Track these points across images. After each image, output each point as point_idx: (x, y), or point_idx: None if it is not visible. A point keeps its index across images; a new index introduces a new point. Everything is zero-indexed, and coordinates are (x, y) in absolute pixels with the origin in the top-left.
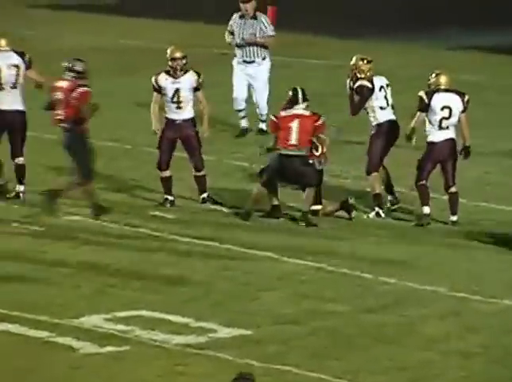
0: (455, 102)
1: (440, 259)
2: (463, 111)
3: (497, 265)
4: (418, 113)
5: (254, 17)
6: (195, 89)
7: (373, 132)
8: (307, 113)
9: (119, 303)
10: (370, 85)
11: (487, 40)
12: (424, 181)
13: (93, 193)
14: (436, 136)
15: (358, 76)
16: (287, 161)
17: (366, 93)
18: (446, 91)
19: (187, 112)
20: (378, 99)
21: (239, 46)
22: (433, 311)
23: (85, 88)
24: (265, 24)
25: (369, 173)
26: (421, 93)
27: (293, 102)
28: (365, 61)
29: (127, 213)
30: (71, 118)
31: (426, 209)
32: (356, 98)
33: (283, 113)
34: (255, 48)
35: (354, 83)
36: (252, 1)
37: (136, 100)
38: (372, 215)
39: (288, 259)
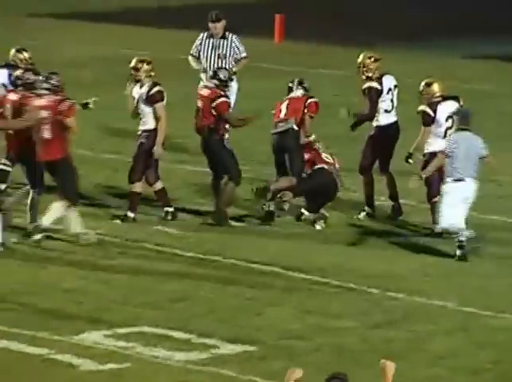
0: (455, 109)
1: (449, 273)
2: None
3: (507, 280)
4: (423, 129)
5: (224, 37)
6: (154, 101)
7: (371, 133)
8: (299, 95)
9: (120, 319)
10: (378, 86)
11: (500, 49)
12: (437, 198)
13: (231, 198)
14: (438, 145)
15: (366, 74)
16: (278, 138)
17: (375, 95)
18: (444, 99)
19: (147, 124)
20: (384, 102)
21: (205, 71)
22: (442, 327)
23: (223, 99)
24: (238, 45)
25: (362, 173)
26: (423, 107)
27: (288, 91)
28: (372, 59)
29: (130, 227)
30: (209, 126)
31: (439, 228)
32: (365, 100)
33: (279, 102)
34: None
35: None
36: (222, 20)
37: None
38: (362, 215)
39: (293, 273)
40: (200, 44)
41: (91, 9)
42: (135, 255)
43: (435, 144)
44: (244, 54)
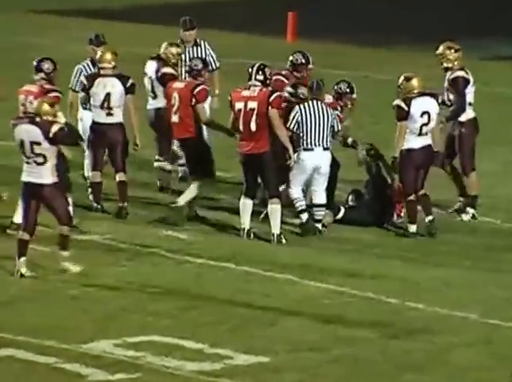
0: (432, 106)
1: (472, 283)
2: (438, 114)
3: None
4: (399, 124)
5: (196, 45)
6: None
7: (463, 130)
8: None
9: (130, 328)
10: (466, 75)
11: None
12: (413, 196)
13: None
14: (415, 143)
15: (446, 65)
16: None
17: (462, 84)
18: (421, 95)
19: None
20: (469, 94)
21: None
22: (463, 339)
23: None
24: (212, 53)
25: (466, 174)
26: (398, 102)
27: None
28: (453, 50)
29: (139, 233)
30: None
31: (413, 228)
32: (451, 91)
33: None
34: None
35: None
36: (196, 27)
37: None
38: (466, 217)
39: (309, 282)
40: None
41: (95, 6)
42: (144, 262)
43: (411, 141)
44: (218, 64)
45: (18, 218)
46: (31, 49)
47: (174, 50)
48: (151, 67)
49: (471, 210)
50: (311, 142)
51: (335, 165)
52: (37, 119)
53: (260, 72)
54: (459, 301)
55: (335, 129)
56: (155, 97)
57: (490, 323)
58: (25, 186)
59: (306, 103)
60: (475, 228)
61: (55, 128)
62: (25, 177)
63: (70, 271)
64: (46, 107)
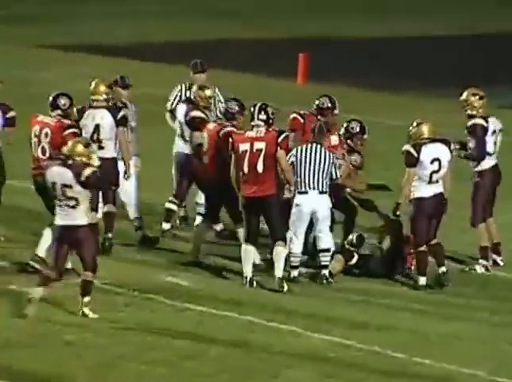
0: (443, 153)
1: (482, 338)
2: (449, 161)
3: None
4: (408, 170)
5: None
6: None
7: (477, 179)
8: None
9: (126, 377)
10: (485, 124)
11: None
12: (424, 247)
13: None
14: (426, 191)
15: (470, 112)
16: None
17: (480, 132)
18: (432, 141)
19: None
20: (489, 143)
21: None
22: None
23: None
24: (221, 97)
25: (474, 225)
26: (407, 147)
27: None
28: (477, 97)
29: (138, 278)
30: None
31: (422, 280)
32: (470, 139)
33: None
34: None
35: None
36: (206, 70)
37: (152, 153)
38: (479, 268)
39: (313, 333)
40: (180, 96)
41: (100, 41)
42: (143, 308)
43: (422, 189)
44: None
45: (41, 250)
46: (33, 85)
47: (203, 93)
48: (181, 110)
49: (483, 262)
50: (305, 185)
51: (352, 210)
52: (69, 162)
53: (262, 112)
54: (468, 356)
55: (334, 176)
56: (186, 141)
57: (500, 381)
58: (58, 229)
59: (304, 146)
60: (487, 280)
61: (88, 171)
62: (58, 221)
63: (88, 317)
64: (80, 147)
